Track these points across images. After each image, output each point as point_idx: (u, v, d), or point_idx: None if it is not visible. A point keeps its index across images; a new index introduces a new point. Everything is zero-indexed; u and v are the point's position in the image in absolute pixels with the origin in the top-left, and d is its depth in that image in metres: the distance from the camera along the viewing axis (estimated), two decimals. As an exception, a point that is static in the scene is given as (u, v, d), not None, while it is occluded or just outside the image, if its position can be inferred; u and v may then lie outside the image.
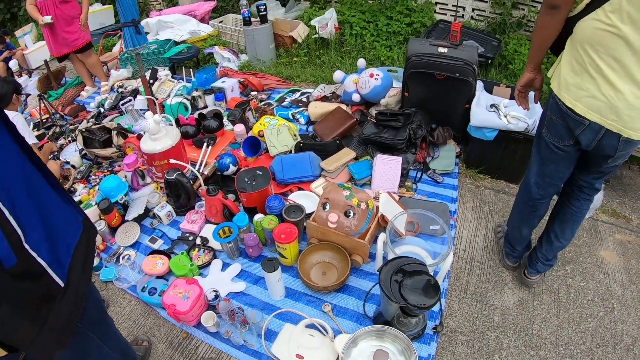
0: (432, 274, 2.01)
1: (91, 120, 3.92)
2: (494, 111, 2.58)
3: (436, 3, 4.61)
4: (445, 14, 4.60)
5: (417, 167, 2.79)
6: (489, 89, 2.87)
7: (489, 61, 3.75)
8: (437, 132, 2.82)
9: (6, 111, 2.79)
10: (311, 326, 1.87)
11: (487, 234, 2.40)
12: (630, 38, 1.26)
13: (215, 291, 2.07)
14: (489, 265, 2.24)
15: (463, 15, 4.48)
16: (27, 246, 0.89)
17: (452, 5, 4.53)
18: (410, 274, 1.59)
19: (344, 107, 3.17)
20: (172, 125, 3.04)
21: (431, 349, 1.83)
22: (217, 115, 3.26)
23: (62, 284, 0.98)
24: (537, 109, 2.51)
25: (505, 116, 2.51)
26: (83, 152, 3.37)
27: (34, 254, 0.90)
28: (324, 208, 2.05)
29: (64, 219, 1.07)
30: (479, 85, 2.81)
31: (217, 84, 3.87)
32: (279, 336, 1.88)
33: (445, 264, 1.86)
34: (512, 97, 2.78)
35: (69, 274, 1.01)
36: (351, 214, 1.99)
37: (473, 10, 4.40)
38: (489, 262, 2.25)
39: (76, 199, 2.87)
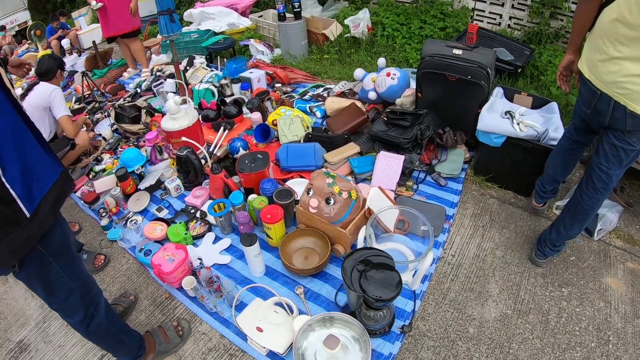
0: (411, 273, 2.01)
1: (127, 98, 4.15)
2: (507, 118, 2.51)
3: (473, 9, 4.53)
4: (482, 21, 4.52)
5: (423, 169, 2.76)
6: (509, 97, 2.79)
7: (519, 70, 3.66)
8: (446, 135, 2.77)
9: (48, 84, 3.11)
10: (280, 305, 1.91)
11: (481, 243, 2.33)
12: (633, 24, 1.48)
13: (199, 259, 2.25)
14: (477, 275, 2.16)
15: (500, 22, 4.39)
16: (3, 179, 1.13)
17: (489, 12, 4.45)
18: (375, 265, 1.59)
19: (359, 104, 3.19)
20: (192, 107, 3.17)
21: (394, 347, 1.81)
22: (237, 103, 3.38)
23: (28, 215, 1.21)
24: (555, 120, 2.44)
25: (518, 124, 2.44)
26: (114, 127, 3.66)
27: (8, 185, 1.14)
28: (308, 193, 2.10)
29: (42, 165, 1.29)
30: (498, 91, 2.74)
31: (245, 74, 4.00)
32: (246, 308, 1.97)
33: (423, 264, 1.84)
34: (533, 107, 2.71)
35: (37, 208, 1.23)
36: (331, 202, 2.01)
37: (510, 18, 4.30)
38: (477, 271, 2.18)
39: (101, 167, 3.19)
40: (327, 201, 2.01)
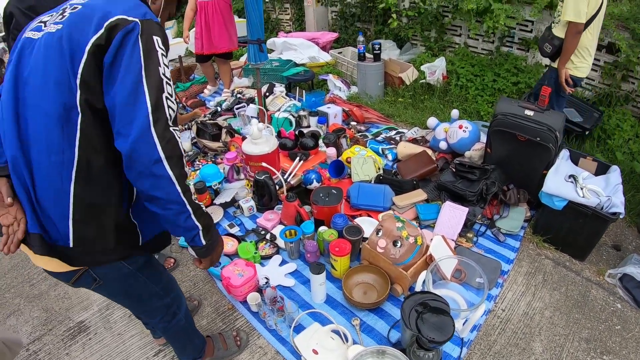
0: (462, 321, 2.18)
1: (208, 115, 4.53)
2: (571, 182, 2.63)
3: (546, 66, 4.65)
4: (554, 79, 4.62)
5: (483, 222, 2.92)
6: (575, 159, 2.92)
7: (586, 132, 3.74)
8: (510, 192, 2.92)
9: None
10: (336, 332, 2.11)
11: (531, 302, 2.45)
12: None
13: (266, 278, 2.47)
14: (523, 331, 2.29)
15: (571, 82, 4.47)
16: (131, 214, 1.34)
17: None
18: (432, 309, 1.78)
19: (429, 152, 3.39)
20: (272, 135, 3.48)
21: (438, 387, 1.97)
22: (314, 136, 3.66)
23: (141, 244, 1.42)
24: (616, 187, 2.55)
25: (581, 189, 2.57)
26: (194, 140, 4.00)
27: (135, 220, 1.36)
28: (377, 234, 2.32)
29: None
30: (564, 154, 2.87)
31: (323, 108, 4.27)
32: (305, 330, 2.16)
33: (475, 314, 2.01)
34: (596, 172, 2.82)
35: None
36: (398, 244, 2.23)
37: (581, 78, 4.38)
38: (524, 328, 2.30)
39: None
40: (395, 243, 2.23)
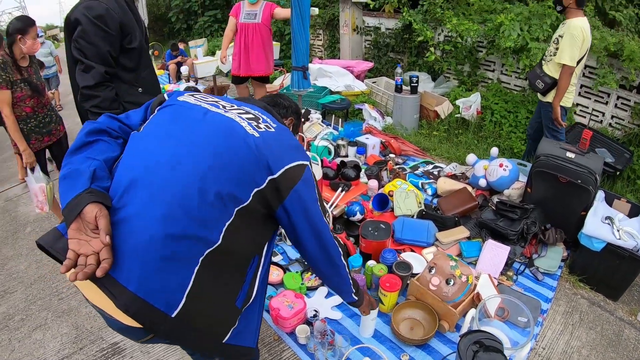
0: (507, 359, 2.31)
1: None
2: (608, 223, 2.76)
3: (577, 104, 4.79)
4: (585, 117, 4.77)
5: (522, 261, 3.04)
6: (609, 201, 3.04)
7: (617, 172, 3.85)
8: (549, 232, 3.04)
9: None
10: (384, 367, 2.21)
11: (569, 340, 2.55)
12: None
13: (315, 311, 2.50)
14: (562, 370, 2.40)
15: (602, 120, 4.60)
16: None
17: (593, 110, 4.69)
18: (487, 348, 1.92)
19: (469, 188, 3.53)
20: (317, 164, 3.62)
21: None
22: (356, 167, 3.83)
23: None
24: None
25: (618, 230, 2.69)
26: None
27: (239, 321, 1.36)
28: (430, 271, 2.44)
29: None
30: (600, 195, 3.00)
31: (362, 138, 4.41)
32: None
33: (521, 352, 2.13)
34: (630, 214, 2.94)
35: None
36: (451, 283, 2.36)
37: (612, 117, 4.51)
38: (564, 366, 2.41)
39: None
40: (447, 282, 2.36)
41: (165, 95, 1.46)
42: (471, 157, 3.71)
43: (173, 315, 1.11)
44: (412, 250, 3.03)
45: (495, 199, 3.51)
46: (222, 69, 6.50)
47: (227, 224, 1.17)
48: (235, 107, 1.34)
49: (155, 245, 1.09)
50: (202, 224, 1.14)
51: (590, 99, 4.77)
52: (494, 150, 3.67)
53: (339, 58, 7.55)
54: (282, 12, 4.95)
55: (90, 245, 1.07)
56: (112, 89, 2.43)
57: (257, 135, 1.21)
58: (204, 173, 1.15)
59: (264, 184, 1.20)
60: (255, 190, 1.20)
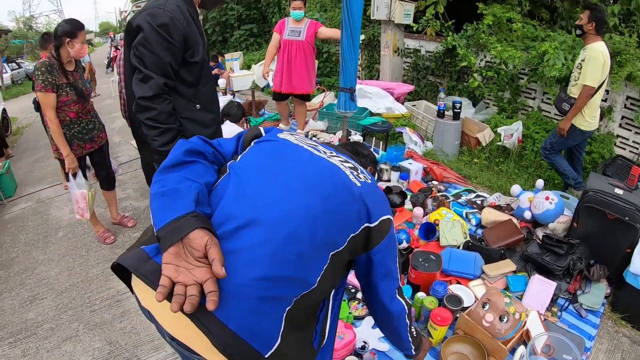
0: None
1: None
2: (652, 259, 2.80)
3: (617, 136, 4.81)
4: (624, 149, 4.79)
5: (566, 297, 3.08)
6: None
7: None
8: (594, 268, 3.08)
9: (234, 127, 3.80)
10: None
11: (612, 379, 2.61)
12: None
13: (364, 342, 2.51)
14: (607, 408, 2.44)
15: (643, 151, 4.63)
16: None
17: (633, 141, 4.71)
18: (542, 386, 2.02)
19: (514, 220, 3.58)
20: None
21: None
22: (402, 194, 3.92)
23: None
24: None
25: (663, 267, 2.74)
26: None
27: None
28: (484, 307, 2.52)
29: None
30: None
31: (404, 163, 4.48)
32: None
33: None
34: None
35: None
36: (505, 320, 2.43)
37: (653, 149, 4.54)
38: (608, 405, 2.46)
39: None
40: (501, 318, 2.44)
41: (262, 130, 1.46)
42: (516, 188, 3.76)
43: (267, 356, 1.05)
44: (459, 282, 3.09)
45: (539, 231, 3.57)
46: (258, 84, 6.58)
47: (324, 267, 1.17)
48: (334, 154, 1.37)
49: (260, 284, 1.04)
50: (306, 267, 1.13)
51: (631, 130, 4.80)
52: (540, 183, 3.72)
53: (377, 78, 7.65)
54: (327, 32, 5.04)
55: (191, 274, 0.99)
56: (169, 102, 2.32)
57: (358, 184, 1.24)
58: (315, 216, 1.14)
59: (359, 231, 1.23)
60: (351, 235, 1.21)
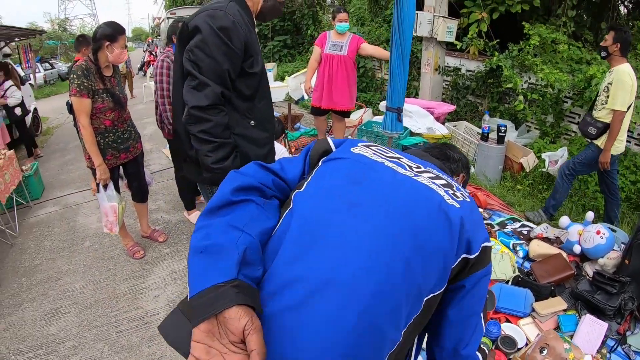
0: None
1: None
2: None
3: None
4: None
5: (616, 338, 3.05)
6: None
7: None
8: (644, 308, 3.09)
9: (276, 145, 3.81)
10: None
11: None
12: None
13: None
14: None
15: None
16: None
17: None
18: None
19: (564, 254, 3.54)
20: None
21: None
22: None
23: None
24: None
25: None
26: None
27: None
28: (541, 352, 2.53)
29: None
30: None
31: (446, 187, 4.51)
32: None
33: None
34: None
35: None
36: (563, 367, 2.48)
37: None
38: None
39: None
40: (559, 365, 2.49)
41: (331, 143, 1.23)
42: (564, 220, 3.72)
43: None
44: (508, 320, 3.06)
45: (587, 266, 3.55)
46: (292, 96, 6.62)
47: (414, 317, 0.95)
48: (422, 168, 1.15)
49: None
50: (397, 327, 0.91)
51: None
52: (590, 215, 3.68)
53: (414, 96, 7.63)
54: (369, 49, 5.00)
55: (223, 359, 0.79)
56: (226, 114, 2.06)
57: (457, 206, 1.02)
58: (407, 265, 0.92)
59: (457, 262, 1.00)
60: (451, 268, 1.00)
